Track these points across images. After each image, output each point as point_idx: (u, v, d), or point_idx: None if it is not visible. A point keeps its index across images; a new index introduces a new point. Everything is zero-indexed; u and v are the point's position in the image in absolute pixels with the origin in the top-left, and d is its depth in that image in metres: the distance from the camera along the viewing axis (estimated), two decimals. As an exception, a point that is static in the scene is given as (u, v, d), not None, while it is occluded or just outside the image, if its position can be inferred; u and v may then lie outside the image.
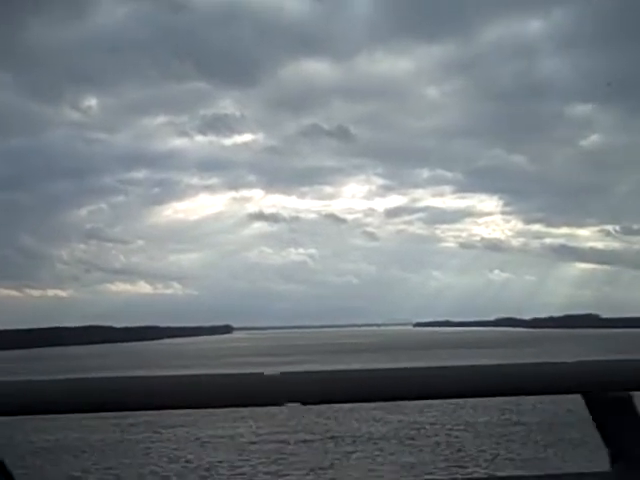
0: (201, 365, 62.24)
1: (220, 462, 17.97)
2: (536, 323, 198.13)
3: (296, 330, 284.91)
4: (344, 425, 23.16)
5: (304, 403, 1.74)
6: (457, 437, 20.59)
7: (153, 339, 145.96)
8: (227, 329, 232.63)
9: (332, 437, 21.29)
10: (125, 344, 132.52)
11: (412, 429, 22.33)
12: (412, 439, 20.80)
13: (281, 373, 1.67)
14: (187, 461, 18.22)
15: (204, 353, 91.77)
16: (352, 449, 19.37)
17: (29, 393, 1.62)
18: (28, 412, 1.64)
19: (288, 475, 15.95)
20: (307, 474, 16.14)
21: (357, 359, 67.23)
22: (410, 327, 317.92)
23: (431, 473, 15.32)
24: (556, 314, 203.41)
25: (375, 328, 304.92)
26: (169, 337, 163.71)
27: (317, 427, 22.94)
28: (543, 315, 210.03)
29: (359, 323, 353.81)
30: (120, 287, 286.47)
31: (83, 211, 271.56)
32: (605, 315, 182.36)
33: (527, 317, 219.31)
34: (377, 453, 18.67)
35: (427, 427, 22.41)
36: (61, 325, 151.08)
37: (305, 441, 20.76)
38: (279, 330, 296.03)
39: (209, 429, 23.17)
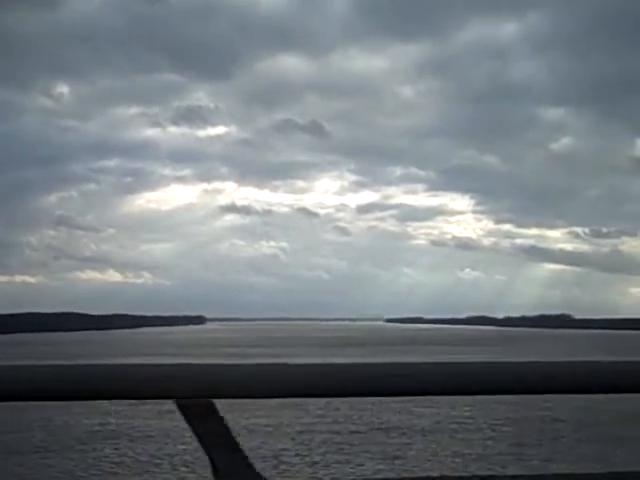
0: (190, 354, 62.21)
1: (284, 449, 18.14)
2: (508, 322, 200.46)
3: (269, 322, 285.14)
4: (383, 417, 23.38)
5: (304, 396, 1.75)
6: (505, 431, 20.95)
7: (129, 327, 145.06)
8: (200, 319, 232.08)
9: (379, 429, 21.55)
10: (103, 332, 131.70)
11: (453, 423, 22.64)
12: (458, 432, 21.12)
13: (278, 364, 1.70)
14: (250, 449, 18.30)
15: (186, 342, 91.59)
16: (407, 440, 19.64)
17: (18, 378, 1.60)
18: (17, 398, 1.62)
19: (363, 465, 16.15)
20: (380, 463, 16.36)
21: (341, 352, 67.82)
22: (382, 322, 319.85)
23: (505, 466, 15.62)
24: (529, 314, 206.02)
25: (348, 323, 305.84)
26: (145, 326, 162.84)
27: (357, 419, 23.13)
28: (515, 314, 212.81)
29: (331, 317, 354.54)
30: (90, 275, 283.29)
31: (53, 198, 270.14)
32: (578, 316, 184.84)
33: (499, 316, 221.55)
34: (435, 445, 18.96)
35: (468, 421, 22.73)
36: (34, 311, 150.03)
37: (355, 432, 20.98)
38: (252, 322, 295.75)
39: (248, 418, 23.26)
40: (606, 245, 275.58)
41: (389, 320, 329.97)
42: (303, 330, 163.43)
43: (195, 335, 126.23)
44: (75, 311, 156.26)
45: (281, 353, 67.65)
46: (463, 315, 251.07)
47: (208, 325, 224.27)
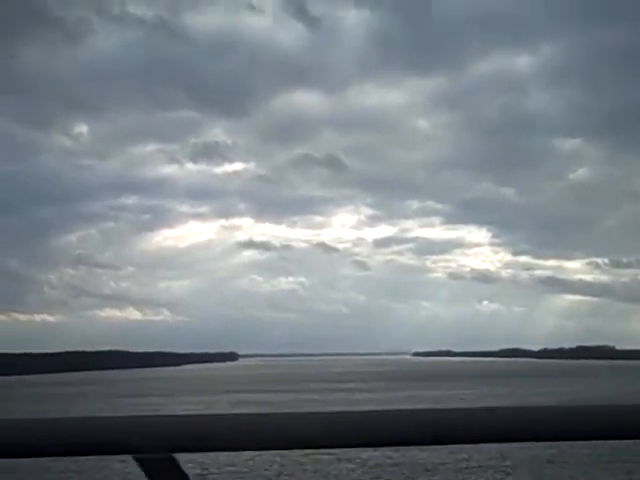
0: (256, 390, 62.47)
1: None
2: (545, 354, 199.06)
3: (299, 358, 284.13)
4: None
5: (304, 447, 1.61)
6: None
7: (169, 365, 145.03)
8: (233, 356, 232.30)
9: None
10: (146, 369, 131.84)
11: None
12: None
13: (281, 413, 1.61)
14: None
15: (242, 379, 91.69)
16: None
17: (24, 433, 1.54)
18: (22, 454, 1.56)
19: None
20: None
21: (406, 386, 67.72)
22: (409, 356, 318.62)
23: None
24: (565, 345, 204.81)
25: (375, 357, 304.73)
26: (185, 363, 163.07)
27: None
28: (548, 346, 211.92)
29: (357, 352, 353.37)
30: (109, 313, 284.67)
31: (72, 236, 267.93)
32: (619, 347, 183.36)
33: (534, 348, 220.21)
34: None
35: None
36: (75, 350, 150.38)
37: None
38: (282, 358, 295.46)
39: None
40: (626, 275, 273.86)
41: (417, 354, 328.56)
42: (342, 365, 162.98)
43: (242, 372, 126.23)
44: (116, 349, 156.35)
45: (344, 387, 67.69)
46: (495, 348, 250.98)
47: (241, 361, 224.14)
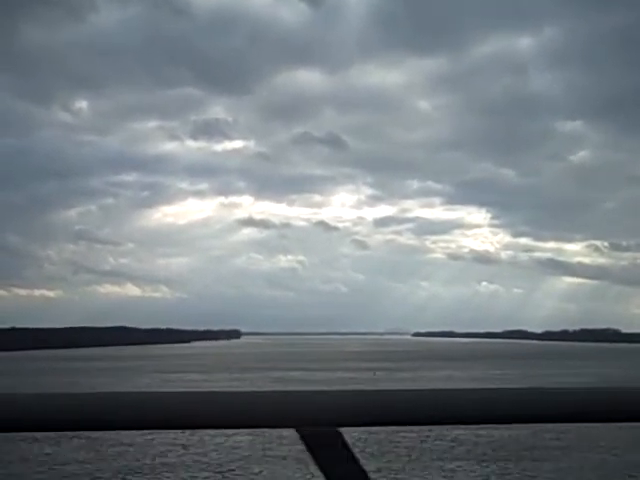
0: (276, 368, 61.89)
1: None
2: (549, 336, 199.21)
3: (301, 336, 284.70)
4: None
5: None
6: None
7: (177, 342, 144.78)
8: (237, 334, 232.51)
9: None
10: (157, 346, 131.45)
11: None
12: None
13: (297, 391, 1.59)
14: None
15: (266, 356, 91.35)
16: None
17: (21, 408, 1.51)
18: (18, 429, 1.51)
19: None
20: None
21: (430, 365, 67.45)
22: (408, 337, 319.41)
23: None
24: (570, 328, 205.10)
25: (376, 337, 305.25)
26: (192, 340, 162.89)
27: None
28: (550, 329, 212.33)
29: (358, 332, 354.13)
30: (108, 289, 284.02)
31: (72, 212, 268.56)
32: (625, 330, 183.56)
33: (537, 330, 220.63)
34: None
35: None
36: (85, 325, 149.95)
37: None
38: (284, 336, 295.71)
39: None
40: (626, 258, 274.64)
41: (417, 334, 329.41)
42: (351, 344, 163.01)
43: (255, 349, 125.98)
44: (121, 325, 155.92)
45: (379, 367, 67.28)
46: (497, 329, 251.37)
47: (244, 339, 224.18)
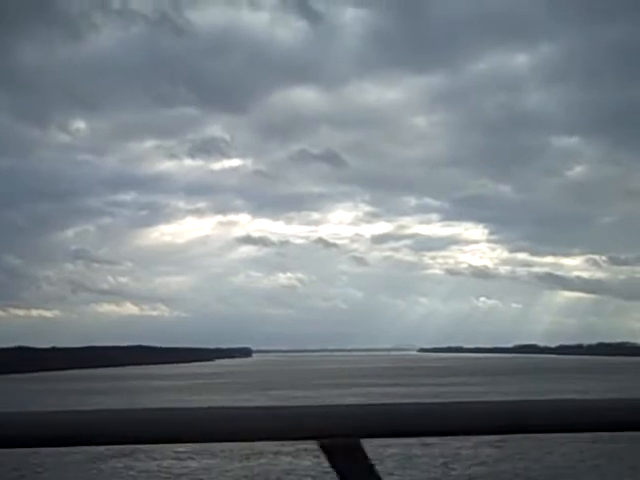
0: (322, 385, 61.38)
1: None
2: (563, 350, 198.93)
3: (309, 354, 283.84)
4: None
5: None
6: None
7: (189, 361, 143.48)
8: (248, 352, 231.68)
9: None
10: (173, 365, 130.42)
11: None
12: None
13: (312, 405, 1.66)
14: None
15: (306, 374, 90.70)
16: None
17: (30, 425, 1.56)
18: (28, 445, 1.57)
19: None
20: None
21: (469, 382, 67.01)
22: (414, 352, 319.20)
23: None
24: (585, 342, 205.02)
25: (381, 353, 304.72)
26: (204, 360, 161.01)
27: None
28: (555, 343, 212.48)
29: (362, 348, 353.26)
30: (106, 308, 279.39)
31: (70, 232, 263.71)
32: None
33: (551, 344, 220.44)
34: None
35: None
36: (97, 345, 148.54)
37: None
38: (293, 353, 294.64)
39: None
40: (624, 272, 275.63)
41: (423, 350, 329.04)
42: (364, 361, 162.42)
43: (281, 367, 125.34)
44: (142, 344, 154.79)
45: (416, 382, 66.93)
46: (503, 344, 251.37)
47: (255, 357, 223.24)
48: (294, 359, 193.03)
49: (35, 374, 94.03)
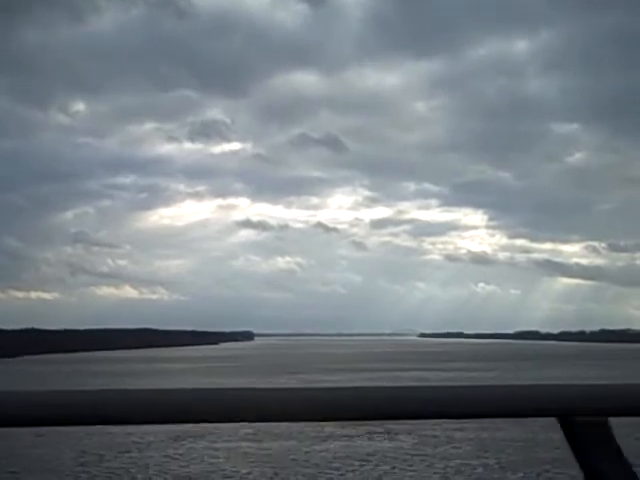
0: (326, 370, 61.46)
1: None
2: (565, 337, 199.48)
3: (312, 337, 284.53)
4: None
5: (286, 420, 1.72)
6: None
7: (208, 343, 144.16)
8: (251, 335, 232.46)
9: None
10: (194, 347, 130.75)
11: None
12: None
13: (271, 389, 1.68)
14: None
15: (328, 358, 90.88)
16: None
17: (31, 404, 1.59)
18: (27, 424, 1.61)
19: None
20: None
21: (492, 367, 67.16)
22: (414, 337, 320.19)
23: None
24: (588, 328, 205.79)
25: (383, 338, 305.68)
26: (210, 343, 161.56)
27: None
28: (572, 329, 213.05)
29: (363, 332, 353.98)
30: (105, 291, 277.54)
31: (69, 214, 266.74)
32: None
33: (554, 331, 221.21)
34: None
35: None
36: (106, 327, 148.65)
37: None
38: (294, 337, 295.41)
39: None
40: (623, 259, 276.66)
41: (423, 335, 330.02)
42: (373, 345, 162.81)
43: (292, 351, 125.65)
44: (148, 327, 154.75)
45: (442, 367, 67.12)
46: (504, 330, 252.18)
47: (257, 341, 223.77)
48: (297, 343, 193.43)
49: (43, 356, 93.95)
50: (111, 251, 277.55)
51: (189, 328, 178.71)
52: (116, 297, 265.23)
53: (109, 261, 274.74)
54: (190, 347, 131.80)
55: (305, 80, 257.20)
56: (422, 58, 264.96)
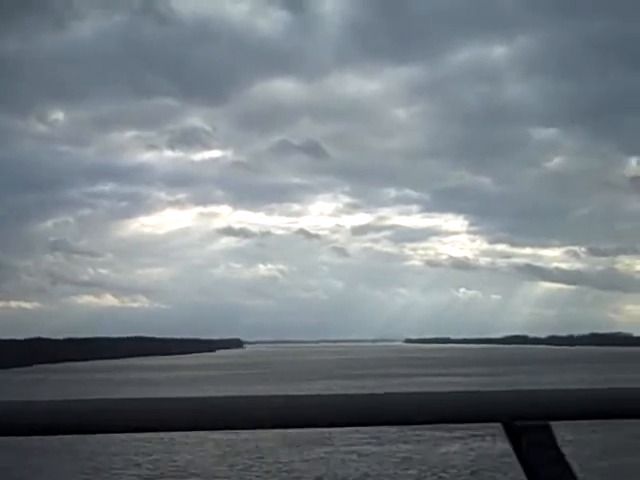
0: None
1: None
2: (554, 341, 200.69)
3: (301, 345, 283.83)
4: None
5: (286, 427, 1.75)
6: None
7: (203, 351, 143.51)
8: (240, 343, 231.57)
9: None
10: (173, 356, 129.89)
11: None
12: None
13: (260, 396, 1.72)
14: None
15: (327, 365, 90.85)
16: None
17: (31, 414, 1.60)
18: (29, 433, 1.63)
19: None
20: None
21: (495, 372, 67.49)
22: (400, 343, 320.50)
23: None
24: (577, 332, 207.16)
25: (368, 344, 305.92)
26: (203, 351, 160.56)
27: None
28: (560, 333, 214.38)
29: (348, 339, 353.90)
30: (86, 299, 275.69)
31: (49, 223, 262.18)
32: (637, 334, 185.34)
33: (541, 335, 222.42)
34: None
35: None
36: (100, 336, 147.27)
37: None
38: (283, 344, 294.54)
39: None
40: (603, 263, 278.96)
41: (409, 340, 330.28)
42: (364, 351, 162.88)
43: (288, 358, 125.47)
44: (140, 335, 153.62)
45: (445, 372, 67.38)
46: (490, 335, 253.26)
47: (248, 348, 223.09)
48: (286, 350, 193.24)
49: (44, 366, 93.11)
50: (92, 260, 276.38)
51: (173, 336, 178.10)
52: (97, 305, 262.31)
53: (90, 270, 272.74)
54: (186, 355, 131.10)
55: (285, 87, 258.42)
56: (401, 64, 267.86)
